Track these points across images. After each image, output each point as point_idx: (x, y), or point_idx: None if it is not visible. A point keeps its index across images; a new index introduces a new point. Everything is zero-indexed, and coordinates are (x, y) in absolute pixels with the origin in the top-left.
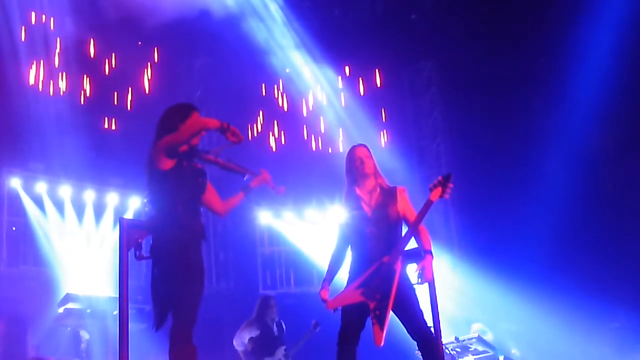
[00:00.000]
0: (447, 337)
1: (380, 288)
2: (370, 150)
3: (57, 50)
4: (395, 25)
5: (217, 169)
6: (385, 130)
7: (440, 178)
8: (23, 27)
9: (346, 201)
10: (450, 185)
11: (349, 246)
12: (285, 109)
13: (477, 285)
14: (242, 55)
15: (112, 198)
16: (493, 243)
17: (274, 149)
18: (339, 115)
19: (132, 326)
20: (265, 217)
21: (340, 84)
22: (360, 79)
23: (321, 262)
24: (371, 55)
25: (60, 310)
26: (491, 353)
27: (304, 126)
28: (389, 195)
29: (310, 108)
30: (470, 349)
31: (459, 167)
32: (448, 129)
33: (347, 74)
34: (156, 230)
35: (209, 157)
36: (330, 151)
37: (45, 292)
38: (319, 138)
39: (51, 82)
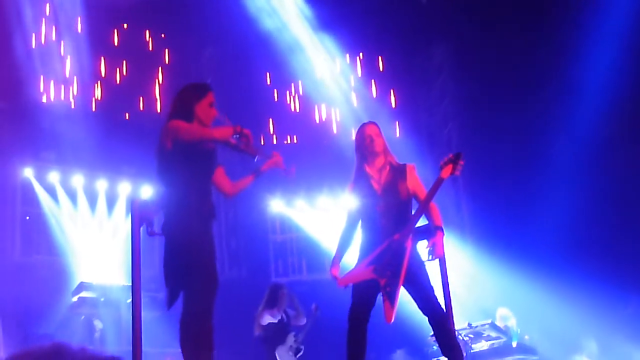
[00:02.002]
0: (460, 324)
1: (391, 265)
2: (380, 127)
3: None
4: (406, 10)
5: (228, 150)
6: (397, 122)
7: (451, 155)
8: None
9: (356, 179)
10: (461, 162)
11: (359, 224)
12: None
13: (490, 271)
14: (249, 41)
15: (125, 187)
16: (505, 229)
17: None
18: (350, 102)
19: (146, 314)
20: (277, 205)
21: (350, 70)
22: (371, 64)
23: (333, 249)
24: (382, 40)
25: (74, 298)
26: (504, 339)
27: (316, 114)
28: (398, 172)
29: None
30: (483, 335)
31: (470, 152)
32: (459, 114)
33: (358, 59)
34: (167, 208)
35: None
36: (340, 138)
37: (59, 281)
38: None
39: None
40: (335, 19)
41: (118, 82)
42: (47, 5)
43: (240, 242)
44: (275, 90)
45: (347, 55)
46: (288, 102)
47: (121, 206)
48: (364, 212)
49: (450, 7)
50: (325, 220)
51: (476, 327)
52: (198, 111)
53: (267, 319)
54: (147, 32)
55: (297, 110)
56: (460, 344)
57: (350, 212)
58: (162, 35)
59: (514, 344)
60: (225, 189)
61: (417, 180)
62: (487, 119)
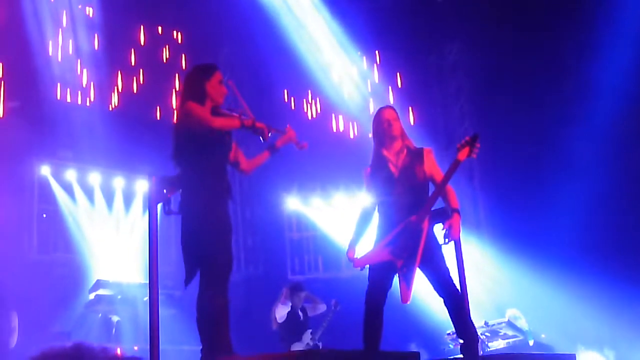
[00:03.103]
0: (476, 322)
1: (408, 246)
2: (398, 112)
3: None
4: (422, 9)
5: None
6: (413, 111)
7: (467, 138)
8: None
9: (373, 163)
10: (478, 145)
11: (376, 207)
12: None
13: (506, 269)
14: (265, 46)
15: (142, 185)
16: (522, 227)
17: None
18: (366, 100)
19: (162, 311)
20: (293, 203)
21: (366, 68)
22: (386, 63)
23: (349, 260)
24: (397, 39)
25: (91, 296)
26: (521, 337)
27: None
28: (415, 156)
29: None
30: (500, 334)
31: (487, 150)
32: (475, 113)
33: (374, 58)
34: (184, 187)
35: (234, 116)
36: (356, 135)
37: (76, 279)
38: (350, 123)
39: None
40: (350, 19)
41: (135, 91)
42: (64, 15)
43: (256, 240)
44: (293, 98)
45: (364, 58)
46: (305, 109)
47: (138, 204)
48: (381, 195)
49: (466, 6)
50: (342, 218)
51: (493, 325)
52: (209, 89)
53: (282, 310)
54: (166, 46)
55: (314, 116)
56: None
57: (368, 195)
58: (179, 41)
59: (531, 343)
60: (241, 166)
61: (434, 163)
62: (504, 116)
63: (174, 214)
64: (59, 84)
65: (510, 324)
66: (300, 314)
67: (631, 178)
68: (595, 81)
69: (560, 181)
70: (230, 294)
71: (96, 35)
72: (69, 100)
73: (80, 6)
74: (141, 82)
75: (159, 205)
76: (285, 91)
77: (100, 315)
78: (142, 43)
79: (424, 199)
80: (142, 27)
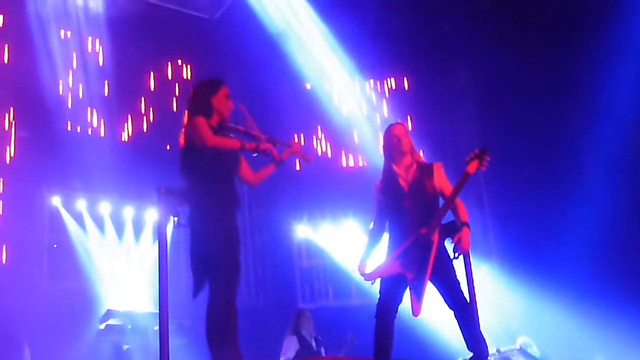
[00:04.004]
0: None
1: (418, 259)
2: (407, 128)
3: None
4: (429, 36)
5: (248, 140)
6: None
7: (477, 151)
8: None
9: (383, 178)
10: (487, 158)
11: (387, 223)
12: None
13: (517, 296)
14: (275, 87)
15: (151, 214)
16: (532, 254)
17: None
18: (374, 127)
19: (173, 341)
20: (303, 231)
21: (373, 95)
22: (394, 90)
23: (360, 275)
24: (405, 66)
25: (102, 326)
26: None
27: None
28: (425, 170)
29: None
30: None
31: (496, 176)
32: (484, 139)
33: (381, 85)
34: (192, 199)
35: (240, 129)
36: (365, 165)
37: (87, 309)
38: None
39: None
40: (358, 46)
41: (145, 130)
42: (74, 57)
43: (266, 268)
44: (302, 135)
45: (372, 81)
46: (315, 146)
47: (148, 233)
48: (391, 210)
49: (473, 32)
50: (352, 246)
51: (504, 352)
52: (215, 104)
53: (289, 347)
54: (176, 93)
55: (324, 152)
56: None
57: (378, 210)
58: (188, 78)
59: None
60: (248, 179)
61: (444, 178)
62: (514, 144)
63: (183, 227)
64: (69, 122)
65: (522, 351)
66: (314, 343)
67: None
68: (609, 107)
69: (571, 207)
70: (240, 324)
71: (106, 82)
72: (79, 130)
73: (90, 49)
74: (151, 120)
75: (169, 226)
76: (295, 134)
77: (110, 345)
78: (152, 89)
79: (434, 213)
80: (151, 73)
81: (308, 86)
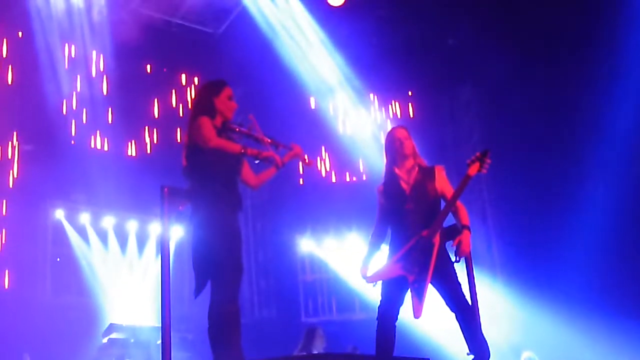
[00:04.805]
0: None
1: (419, 261)
2: (409, 131)
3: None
4: (433, 50)
5: (251, 143)
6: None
7: (478, 154)
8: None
9: (385, 181)
10: (488, 160)
11: (389, 226)
12: None
13: (521, 311)
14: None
15: (155, 228)
16: (536, 268)
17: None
18: (379, 143)
19: (176, 355)
20: (306, 245)
21: (377, 110)
22: (397, 105)
23: (363, 289)
24: (408, 81)
25: (105, 340)
26: None
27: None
28: (427, 173)
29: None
30: None
31: (500, 192)
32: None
33: (385, 100)
34: (195, 199)
35: (243, 131)
36: (368, 178)
37: (89, 322)
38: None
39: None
40: (362, 61)
41: (149, 151)
42: (78, 80)
43: (270, 282)
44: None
45: (376, 97)
46: (319, 167)
47: (151, 247)
48: (393, 212)
49: (477, 47)
50: (355, 260)
51: None
52: (218, 105)
53: None
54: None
55: (328, 170)
56: None
57: (380, 213)
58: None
59: None
60: (249, 181)
61: (446, 181)
62: (517, 158)
63: (186, 217)
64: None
65: None
66: None
67: None
68: (611, 126)
69: (575, 222)
70: (243, 338)
71: (110, 109)
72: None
73: (94, 64)
74: (155, 142)
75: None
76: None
77: (113, 359)
78: (155, 116)
79: (436, 215)
80: (156, 100)
81: (312, 104)
